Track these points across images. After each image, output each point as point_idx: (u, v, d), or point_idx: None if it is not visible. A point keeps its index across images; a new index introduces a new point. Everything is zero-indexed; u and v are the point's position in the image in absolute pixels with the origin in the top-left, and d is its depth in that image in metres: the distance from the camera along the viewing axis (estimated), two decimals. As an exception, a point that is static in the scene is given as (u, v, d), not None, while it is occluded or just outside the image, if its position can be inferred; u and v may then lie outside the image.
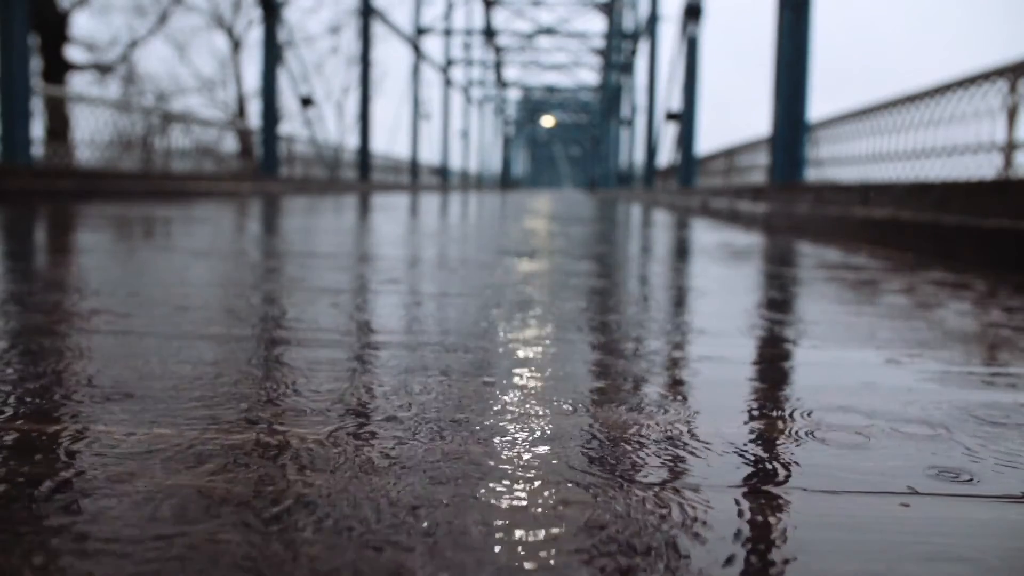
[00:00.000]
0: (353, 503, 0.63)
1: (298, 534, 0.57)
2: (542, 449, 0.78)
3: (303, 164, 15.08)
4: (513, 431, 0.84)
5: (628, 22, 24.01)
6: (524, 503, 0.65)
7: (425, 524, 0.60)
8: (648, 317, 1.64)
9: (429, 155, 28.31)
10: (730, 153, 9.98)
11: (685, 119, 11.88)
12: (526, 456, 0.76)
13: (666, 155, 13.91)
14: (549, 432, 0.84)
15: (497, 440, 0.81)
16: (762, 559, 0.57)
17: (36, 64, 15.78)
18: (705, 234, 4.98)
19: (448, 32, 28.44)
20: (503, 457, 0.76)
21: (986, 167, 3.92)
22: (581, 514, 0.63)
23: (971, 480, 0.73)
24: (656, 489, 0.69)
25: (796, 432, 0.87)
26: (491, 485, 0.68)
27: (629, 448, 0.80)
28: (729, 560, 0.56)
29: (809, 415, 0.93)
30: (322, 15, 56.36)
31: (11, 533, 0.56)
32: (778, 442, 0.83)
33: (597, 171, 40.62)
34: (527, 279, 2.25)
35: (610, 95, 30.57)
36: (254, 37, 24.73)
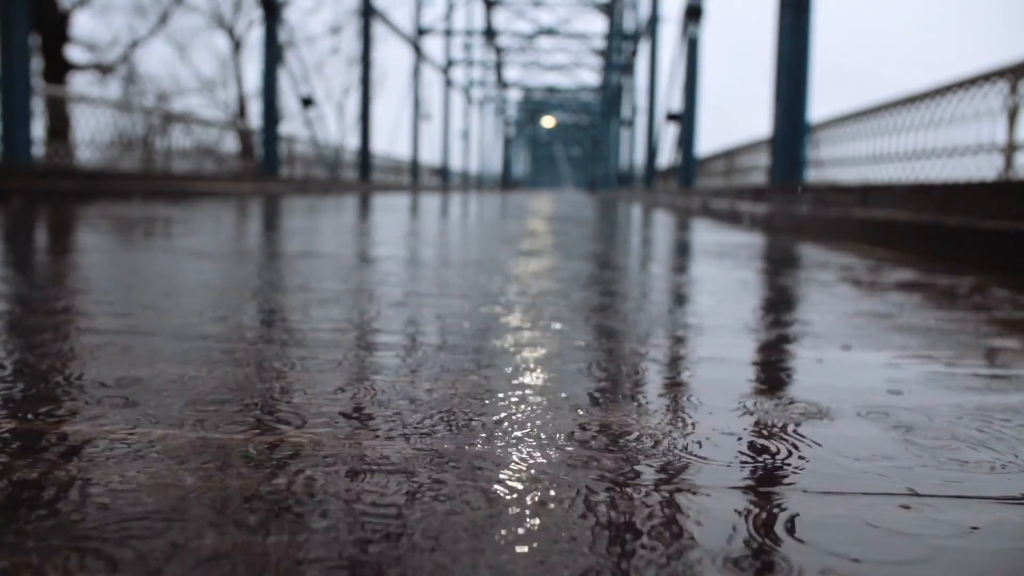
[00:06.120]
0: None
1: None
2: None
3: (304, 164, 15.07)
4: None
5: (629, 23, 23.99)
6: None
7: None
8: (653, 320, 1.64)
9: (430, 156, 28.25)
10: (730, 154, 9.97)
11: (685, 120, 11.87)
12: (526, 457, 0.76)
13: (667, 156, 13.90)
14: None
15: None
16: (761, 557, 0.57)
17: (37, 64, 15.78)
18: (705, 235, 4.98)
19: (449, 32, 28.41)
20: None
21: (987, 168, 3.92)
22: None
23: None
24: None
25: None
26: (491, 486, 0.68)
27: (629, 449, 0.79)
28: (728, 556, 0.56)
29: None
30: (323, 15, 56.40)
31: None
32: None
33: (598, 172, 40.59)
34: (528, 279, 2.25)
35: (610, 96, 30.55)
36: (255, 37, 24.70)
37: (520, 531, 0.60)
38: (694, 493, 0.68)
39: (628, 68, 23.98)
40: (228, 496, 0.64)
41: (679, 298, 2.03)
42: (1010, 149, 3.78)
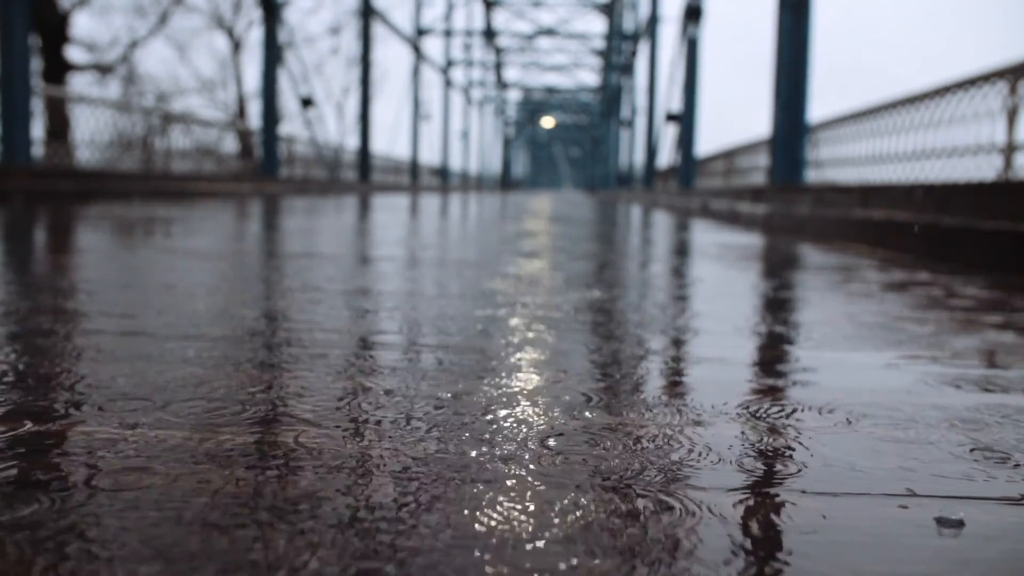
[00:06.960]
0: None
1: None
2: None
3: (303, 165, 15.07)
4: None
5: (628, 23, 23.99)
6: (524, 505, 0.65)
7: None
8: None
9: (429, 156, 28.25)
10: (730, 154, 9.97)
11: (685, 120, 11.87)
12: (526, 458, 0.76)
13: (666, 156, 13.90)
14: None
15: (497, 441, 0.81)
16: (760, 555, 0.57)
17: (36, 64, 15.77)
18: (705, 235, 4.98)
19: (448, 33, 28.41)
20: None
21: (986, 168, 3.92)
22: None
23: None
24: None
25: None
26: (491, 487, 0.68)
27: (629, 450, 0.80)
28: (728, 561, 0.56)
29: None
30: (322, 16, 56.33)
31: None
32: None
33: (597, 172, 40.61)
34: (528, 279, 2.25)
35: (610, 96, 30.56)
36: (254, 38, 24.68)
37: (519, 531, 0.60)
38: (693, 493, 0.69)
39: (628, 68, 23.99)
40: (238, 495, 0.65)
41: (678, 299, 2.03)
42: (1009, 149, 3.78)
